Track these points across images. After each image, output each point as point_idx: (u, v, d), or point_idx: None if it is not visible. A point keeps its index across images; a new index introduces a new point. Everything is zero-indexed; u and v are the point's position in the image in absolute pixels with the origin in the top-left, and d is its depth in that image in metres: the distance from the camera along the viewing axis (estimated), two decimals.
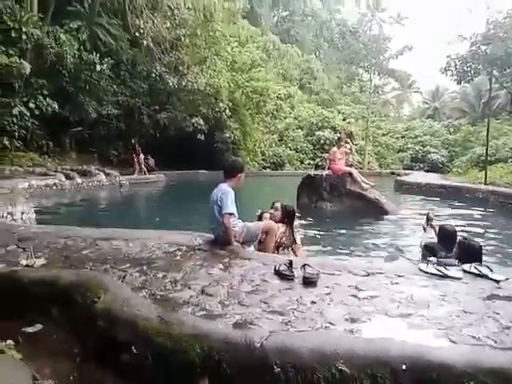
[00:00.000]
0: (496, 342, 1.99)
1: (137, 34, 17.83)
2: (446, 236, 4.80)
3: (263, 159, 29.61)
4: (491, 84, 15.84)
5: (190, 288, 2.84)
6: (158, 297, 2.68)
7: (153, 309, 2.41)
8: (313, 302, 2.55)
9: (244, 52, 24.06)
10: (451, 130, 34.80)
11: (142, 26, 17.53)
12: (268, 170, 28.80)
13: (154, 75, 19.56)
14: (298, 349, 1.96)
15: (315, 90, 39.70)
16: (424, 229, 5.61)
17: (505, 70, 13.83)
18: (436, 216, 6.73)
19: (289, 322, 2.27)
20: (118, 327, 2.33)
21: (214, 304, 2.55)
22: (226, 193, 4.11)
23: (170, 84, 19.50)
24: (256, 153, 28.43)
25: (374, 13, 35.17)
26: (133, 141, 20.20)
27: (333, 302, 2.57)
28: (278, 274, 3.05)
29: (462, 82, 15.79)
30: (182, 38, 19.06)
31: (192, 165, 21.64)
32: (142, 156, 20.07)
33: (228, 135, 24.14)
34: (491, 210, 10.14)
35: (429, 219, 5.61)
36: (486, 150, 17.22)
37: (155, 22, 18.02)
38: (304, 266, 3.06)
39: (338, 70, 40.42)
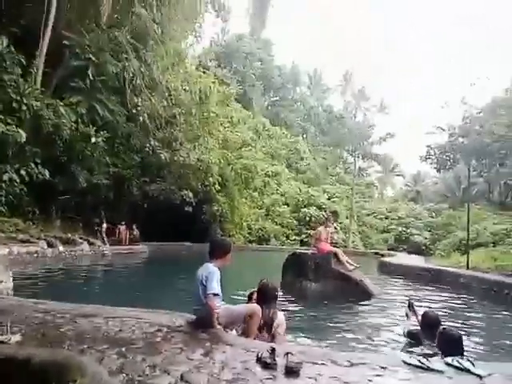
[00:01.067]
0: None
1: (134, 110, 18.68)
2: (430, 323, 4.81)
3: (249, 233, 29.77)
4: (469, 172, 16.68)
5: (169, 374, 2.77)
6: (136, 383, 2.60)
7: None
8: None
9: (235, 132, 25.28)
10: (433, 213, 35.77)
11: (139, 104, 18.42)
12: (253, 244, 28.81)
13: (147, 149, 20.18)
14: None
15: (302, 169, 41.12)
16: (406, 315, 5.59)
17: (482, 160, 14.66)
18: (418, 302, 6.73)
19: None
20: None
21: None
22: (211, 272, 4.12)
23: (163, 158, 20.08)
24: (242, 226, 28.65)
25: (358, 101, 37.73)
26: (103, 212, 20.16)
27: None
28: (260, 361, 3.00)
29: (442, 170, 16.62)
30: (177, 117, 20.00)
31: (177, 236, 21.57)
32: (123, 227, 20.06)
33: (216, 208, 24.48)
34: (473, 297, 10.16)
35: (410, 306, 5.61)
36: (468, 234, 17.60)
37: (152, 100, 18.99)
38: (287, 354, 3.02)
39: (324, 151, 42.32)
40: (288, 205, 34.21)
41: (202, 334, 3.80)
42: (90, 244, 16.16)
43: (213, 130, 22.47)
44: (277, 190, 34.92)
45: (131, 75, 18.41)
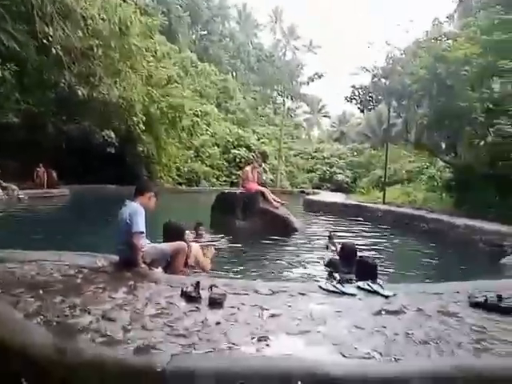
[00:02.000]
0: (382, 355, 2.18)
1: (45, 41, 16.73)
2: (347, 253, 5.19)
3: (178, 175, 29.30)
4: (389, 113, 17.49)
5: (89, 313, 2.71)
6: (54, 324, 2.52)
7: (47, 337, 2.27)
8: (217, 323, 2.59)
9: (160, 67, 23.80)
10: (355, 153, 37.57)
11: (51, 34, 16.51)
12: (183, 186, 28.54)
13: (62, 84, 18.46)
14: (198, 371, 1.99)
15: (231, 109, 40.48)
16: (327, 247, 5.96)
17: (402, 101, 15.30)
18: (336, 234, 7.17)
19: (192, 344, 2.27)
20: (8, 358, 2.15)
21: (115, 329, 2.46)
22: (136, 211, 4.02)
23: (80, 94, 18.54)
24: (170, 168, 28.06)
25: (288, 40, 37.15)
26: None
27: (237, 322, 2.63)
28: (185, 295, 3.04)
29: (365, 111, 17.21)
30: (95, 49, 18.30)
31: (101, 179, 20.64)
32: (41, 170, 18.72)
33: (141, 149, 23.55)
34: (388, 228, 11.08)
35: (331, 238, 5.97)
36: (385, 172, 18.87)
37: (66, 30, 17.10)
38: (211, 286, 3.10)
39: (254, 91, 41.76)
40: (218, 146, 33.90)
41: (126, 274, 3.75)
42: (4, 188, 14.95)
43: (135, 64, 20.93)
44: (206, 130, 34.25)
45: (39, 0, 16.28)
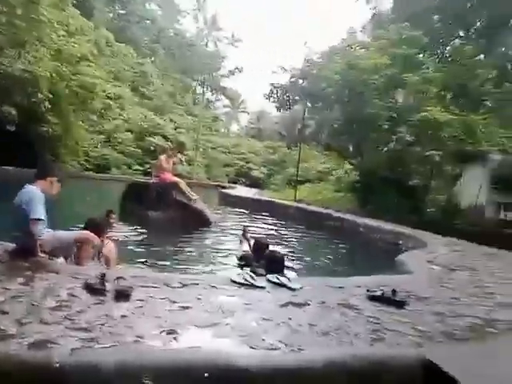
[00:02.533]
0: (286, 346, 2.26)
1: None
2: (259, 248, 5.31)
3: (86, 160, 27.54)
4: (304, 114, 18.23)
5: None
6: None
7: None
8: (123, 316, 2.48)
9: (72, 43, 22.06)
10: (271, 150, 38.53)
11: None
12: (91, 172, 26.90)
13: None
14: (100, 365, 1.89)
15: (148, 94, 39.04)
16: (240, 241, 6.04)
17: (316, 103, 16.03)
18: (249, 229, 7.29)
19: (94, 338, 2.15)
20: None
21: (8, 323, 2.24)
22: (33, 196, 3.68)
23: None
24: (78, 152, 26.22)
25: (210, 30, 36.76)
26: None
27: (144, 315, 2.55)
28: (89, 287, 2.87)
29: (282, 110, 17.73)
30: None
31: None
32: None
33: (45, 129, 21.67)
34: (297, 224, 11.55)
35: (245, 232, 6.06)
36: (297, 171, 19.68)
37: None
38: (117, 278, 2.96)
39: (173, 78, 40.67)
40: (132, 132, 32.47)
41: (22, 263, 3.43)
42: None
43: (43, 36, 19.15)
44: (119, 114, 32.60)
45: None
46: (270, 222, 11.74)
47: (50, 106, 20.69)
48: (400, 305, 3.13)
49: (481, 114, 12.58)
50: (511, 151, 11.84)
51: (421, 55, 15.12)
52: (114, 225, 7.23)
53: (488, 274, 4.79)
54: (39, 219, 3.60)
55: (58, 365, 1.86)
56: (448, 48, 19.57)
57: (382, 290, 3.32)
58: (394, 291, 3.25)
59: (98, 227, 4.48)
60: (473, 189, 13.36)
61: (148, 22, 48.78)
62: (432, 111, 11.39)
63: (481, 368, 2.16)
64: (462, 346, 2.48)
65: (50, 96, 20.46)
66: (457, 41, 16.42)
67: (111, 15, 46.79)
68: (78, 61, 22.75)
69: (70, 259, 4.10)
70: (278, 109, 17.26)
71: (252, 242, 5.70)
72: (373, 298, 3.23)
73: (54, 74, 20.21)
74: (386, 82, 13.31)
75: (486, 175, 13.01)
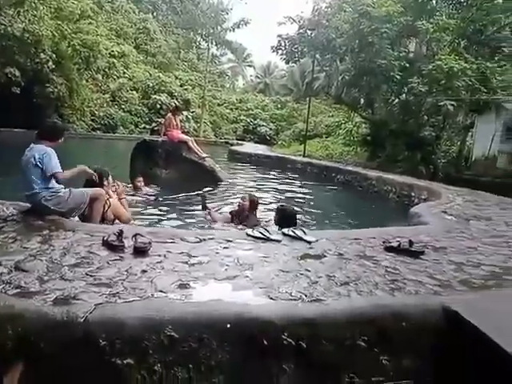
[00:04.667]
0: (306, 296, 2.28)
1: None
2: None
3: (93, 120, 27.30)
4: (314, 66, 17.66)
5: (0, 264, 2.48)
6: None
7: None
8: (143, 272, 2.51)
9: (71, 0, 21.29)
10: (279, 105, 37.79)
11: None
12: (98, 131, 26.78)
13: None
14: (124, 319, 1.92)
15: (152, 51, 37.95)
16: (203, 207, 5.68)
17: (326, 55, 15.44)
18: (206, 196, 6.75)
19: (117, 293, 2.18)
20: None
21: (30, 281, 2.28)
22: (47, 153, 3.69)
23: None
24: (84, 112, 26.00)
25: None
26: None
27: (164, 269, 2.57)
28: (107, 244, 2.89)
29: (290, 62, 17.14)
30: None
31: (6, 122, 18.54)
32: None
33: (50, 90, 21.37)
34: (308, 179, 11.51)
35: (204, 198, 5.71)
36: (306, 126, 19.35)
37: None
38: (135, 235, 2.97)
39: (176, 34, 39.42)
40: (137, 90, 31.88)
41: (38, 222, 3.47)
42: None
43: None
44: (124, 73, 31.86)
45: None
46: (280, 177, 11.70)
47: (53, 67, 20.32)
48: (417, 255, 3.12)
49: (497, 61, 12.07)
50: None
51: (434, 1, 14.35)
52: (143, 188, 7.23)
53: (503, 224, 4.75)
54: (60, 172, 3.67)
55: (82, 320, 1.89)
56: None
57: (398, 240, 3.31)
58: (410, 242, 3.23)
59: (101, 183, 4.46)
60: (485, 139, 13.10)
61: None
62: (446, 60, 10.94)
63: (500, 315, 2.16)
64: (480, 293, 2.48)
65: (54, 56, 20.04)
66: None
67: None
68: (78, 19, 22.05)
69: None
70: (286, 61, 16.65)
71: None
72: (389, 249, 3.22)
73: (55, 33, 19.70)
74: (399, 31, 12.74)
75: (499, 125, 12.70)
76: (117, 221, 4.47)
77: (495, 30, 12.35)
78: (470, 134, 14.82)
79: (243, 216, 5.13)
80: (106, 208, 4.34)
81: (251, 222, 4.94)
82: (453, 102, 11.14)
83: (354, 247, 3.31)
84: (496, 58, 12.41)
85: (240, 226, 4.91)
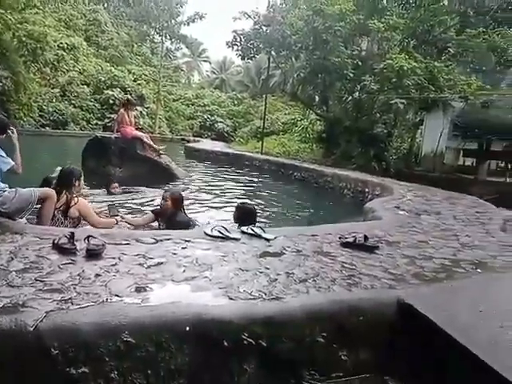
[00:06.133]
0: (266, 294, 2.28)
1: None
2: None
3: (41, 115, 26.06)
4: (269, 63, 17.75)
5: None
6: None
7: None
8: (97, 275, 2.41)
9: None
10: (235, 101, 37.69)
11: None
12: (47, 128, 25.59)
13: None
14: (78, 326, 1.83)
15: (103, 44, 36.64)
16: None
17: (281, 52, 15.53)
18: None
19: (69, 299, 2.08)
20: None
21: None
22: None
23: None
24: (32, 107, 24.76)
25: None
26: None
27: (119, 272, 2.49)
28: (58, 248, 2.76)
29: (246, 58, 17.14)
30: None
31: None
32: None
33: None
34: (266, 176, 11.59)
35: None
36: (263, 123, 19.45)
37: None
38: (88, 237, 2.85)
39: (129, 26, 38.28)
40: (88, 85, 30.71)
41: None
42: None
43: None
44: (74, 66, 30.56)
45: None
46: (238, 174, 11.70)
47: None
48: (372, 249, 3.21)
49: (443, 61, 12.66)
50: (472, 98, 12.10)
51: (385, 0, 14.83)
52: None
53: (451, 218, 4.99)
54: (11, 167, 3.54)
55: (32, 328, 1.79)
56: None
57: (353, 236, 3.39)
58: (365, 237, 3.32)
59: (64, 183, 4.28)
60: (434, 136, 13.75)
61: None
62: (396, 59, 11.35)
63: (451, 306, 2.27)
64: (432, 286, 2.59)
65: None
66: None
67: None
68: (23, 8, 20.89)
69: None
70: (242, 57, 16.63)
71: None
72: (345, 244, 3.30)
73: None
74: (351, 29, 13.06)
75: (447, 122, 13.35)
76: (84, 222, 4.31)
77: (442, 31, 12.94)
78: (419, 131, 15.49)
79: (168, 215, 4.89)
80: (73, 204, 4.16)
81: (178, 220, 4.76)
82: (403, 100, 11.58)
83: (312, 243, 3.36)
84: (443, 58, 13.04)
85: (163, 227, 4.76)
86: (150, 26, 31.97)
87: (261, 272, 2.62)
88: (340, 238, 3.42)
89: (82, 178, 4.57)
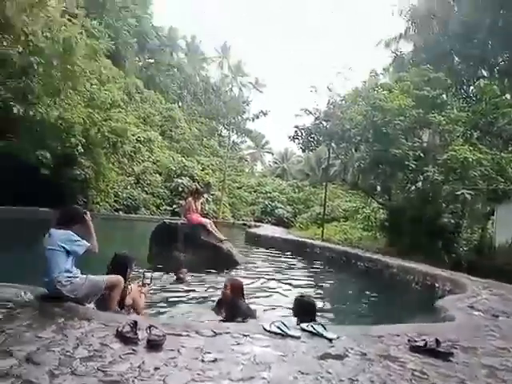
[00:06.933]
0: None
1: None
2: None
3: (116, 201, 28.20)
4: (329, 154, 18.25)
5: (11, 355, 2.42)
6: None
7: None
8: (156, 368, 2.41)
9: (104, 91, 23.20)
10: (296, 189, 38.55)
11: None
12: (121, 212, 27.48)
13: None
14: None
15: (176, 138, 40.18)
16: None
17: (341, 144, 16.04)
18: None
19: None
20: None
21: (40, 375, 2.21)
22: (68, 234, 3.80)
23: (15, 112, 17.49)
24: (108, 193, 26.96)
25: (234, 75, 38.07)
26: None
27: (177, 367, 2.47)
28: (121, 336, 2.82)
29: (306, 151, 17.85)
30: (35, 66, 17.52)
31: (33, 201, 19.24)
32: None
33: (78, 173, 22.44)
34: (326, 265, 11.27)
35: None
36: (324, 209, 19.48)
37: (5, 43, 16.26)
38: (150, 327, 2.90)
39: (200, 122, 41.86)
40: (160, 174, 33.28)
41: (54, 309, 3.43)
42: None
43: (78, 85, 20.24)
44: (149, 157, 33.55)
45: None
46: (297, 263, 11.51)
47: (82, 151, 21.53)
48: (445, 356, 2.93)
49: (511, 151, 12.31)
50: None
51: (444, 95, 15.07)
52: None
53: None
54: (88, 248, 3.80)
55: None
56: (472, 88, 19.51)
57: (424, 339, 3.13)
58: (437, 341, 3.05)
59: (123, 270, 4.42)
60: (507, 227, 12.86)
61: (175, 69, 50.99)
62: (460, 150, 11.20)
63: None
64: None
65: (83, 141, 21.33)
66: (481, 81, 16.29)
67: (141, 64, 49.19)
68: (109, 107, 23.79)
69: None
70: (303, 150, 17.33)
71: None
72: (415, 349, 3.04)
73: (86, 120, 21.16)
74: (411, 123, 13.25)
75: None
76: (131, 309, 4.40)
77: (506, 123, 12.73)
78: (490, 221, 14.61)
79: (228, 303, 4.83)
80: (128, 292, 4.30)
81: (238, 308, 4.66)
82: (470, 191, 11.17)
83: (377, 346, 3.14)
84: (510, 149, 12.67)
85: (220, 318, 4.67)
86: (218, 121, 34.82)
87: (322, 377, 2.47)
88: (409, 340, 3.18)
89: (134, 262, 4.70)
